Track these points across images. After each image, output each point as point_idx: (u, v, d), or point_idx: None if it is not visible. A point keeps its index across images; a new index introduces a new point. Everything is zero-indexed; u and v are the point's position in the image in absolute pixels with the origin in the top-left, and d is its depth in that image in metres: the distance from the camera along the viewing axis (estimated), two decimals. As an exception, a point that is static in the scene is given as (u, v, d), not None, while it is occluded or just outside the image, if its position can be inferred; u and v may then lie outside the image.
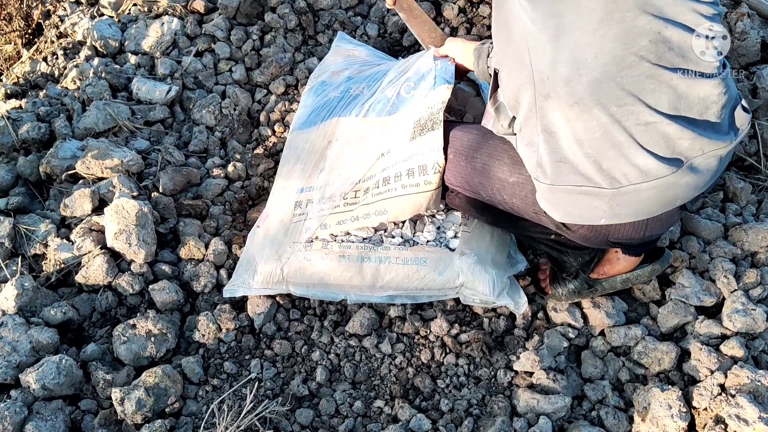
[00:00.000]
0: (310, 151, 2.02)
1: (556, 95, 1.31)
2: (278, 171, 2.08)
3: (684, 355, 1.73)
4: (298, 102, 2.44)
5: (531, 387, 1.71)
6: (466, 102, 2.13)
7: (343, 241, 1.83)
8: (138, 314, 1.82)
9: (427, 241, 1.82)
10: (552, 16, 1.25)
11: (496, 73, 1.55)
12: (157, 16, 2.69)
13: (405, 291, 1.80)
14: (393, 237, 1.83)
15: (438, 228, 1.86)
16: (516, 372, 1.74)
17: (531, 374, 1.72)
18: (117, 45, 2.61)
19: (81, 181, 2.13)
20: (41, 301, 1.84)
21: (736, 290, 1.76)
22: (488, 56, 1.70)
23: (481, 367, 1.77)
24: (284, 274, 1.83)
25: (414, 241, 1.83)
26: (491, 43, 1.71)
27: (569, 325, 1.81)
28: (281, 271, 1.82)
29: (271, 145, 2.34)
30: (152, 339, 1.76)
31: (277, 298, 1.91)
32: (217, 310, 1.86)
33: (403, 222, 1.85)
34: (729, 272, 1.80)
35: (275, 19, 2.64)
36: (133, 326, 1.77)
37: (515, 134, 1.51)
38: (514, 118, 1.50)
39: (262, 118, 2.44)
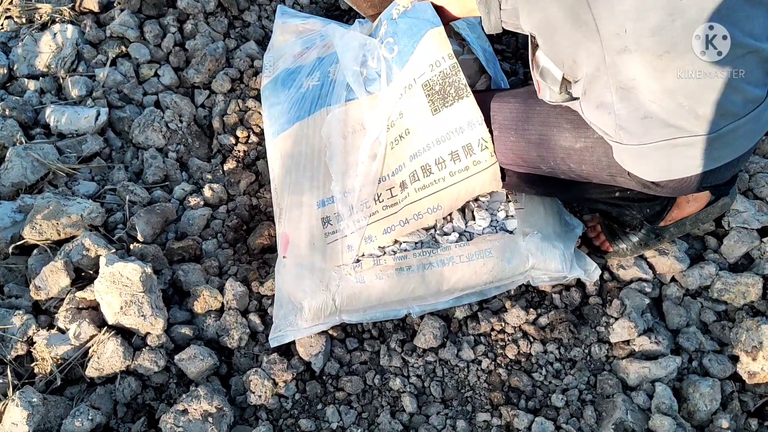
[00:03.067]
0: (312, 155, 1.74)
1: (639, 47, 1.16)
2: (276, 185, 1.77)
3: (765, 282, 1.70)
4: (253, 98, 2.11)
5: (632, 355, 1.61)
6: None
7: (395, 252, 1.61)
8: (184, 395, 1.51)
9: (483, 229, 1.64)
10: None
11: (533, 37, 1.37)
12: (44, 26, 2.21)
13: (473, 288, 1.63)
14: (447, 234, 1.63)
15: (486, 210, 1.68)
16: (611, 344, 1.64)
17: (628, 342, 1.62)
18: (5, 71, 2.12)
19: (36, 250, 1.72)
20: (54, 412, 1.48)
21: (788, 204, 1.75)
22: (500, 8, 1.51)
23: (572, 348, 1.65)
24: (337, 304, 1.59)
25: (470, 233, 1.64)
26: None
27: (642, 280, 1.73)
28: (333, 301, 1.58)
29: (241, 154, 2.02)
30: (210, 419, 1.48)
31: (329, 331, 1.67)
32: (266, 363, 1.59)
33: (450, 214, 1.66)
34: (774, 187, 1.78)
35: (190, 3, 2.24)
36: (184, 411, 1.48)
37: (575, 98, 1.36)
38: (564, 79, 1.34)
39: (216, 124, 2.08)
